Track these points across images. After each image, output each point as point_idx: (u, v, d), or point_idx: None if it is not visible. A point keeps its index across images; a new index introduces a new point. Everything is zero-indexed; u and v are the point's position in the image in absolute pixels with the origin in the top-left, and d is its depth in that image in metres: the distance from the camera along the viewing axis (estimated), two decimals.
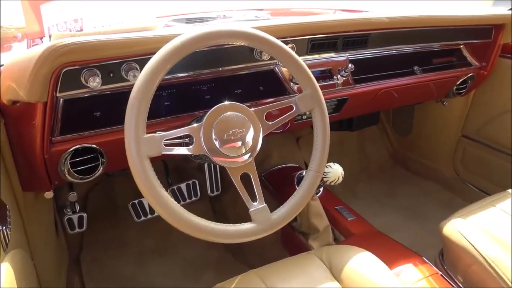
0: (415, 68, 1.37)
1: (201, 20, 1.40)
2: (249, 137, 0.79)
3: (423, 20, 1.26)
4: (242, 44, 0.78)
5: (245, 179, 0.80)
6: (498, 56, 1.54)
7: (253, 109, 0.81)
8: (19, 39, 1.15)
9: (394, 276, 0.89)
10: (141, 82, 0.67)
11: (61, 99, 0.79)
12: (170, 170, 1.56)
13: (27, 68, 0.70)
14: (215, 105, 0.78)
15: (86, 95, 0.82)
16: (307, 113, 0.87)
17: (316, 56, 1.14)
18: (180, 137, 0.76)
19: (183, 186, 1.51)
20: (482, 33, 1.46)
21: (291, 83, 1.08)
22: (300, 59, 0.83)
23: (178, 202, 1.50)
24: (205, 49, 0.91)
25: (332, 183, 1.07)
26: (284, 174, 1.60)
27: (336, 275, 0.89)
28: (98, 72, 0.79)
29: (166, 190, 1.52)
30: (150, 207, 1.30)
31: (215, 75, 0.98)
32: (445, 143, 1.89)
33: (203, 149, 0.75)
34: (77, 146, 0.85)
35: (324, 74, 1.17)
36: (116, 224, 1.56)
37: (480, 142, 1.75)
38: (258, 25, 0.94)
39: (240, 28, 0.76)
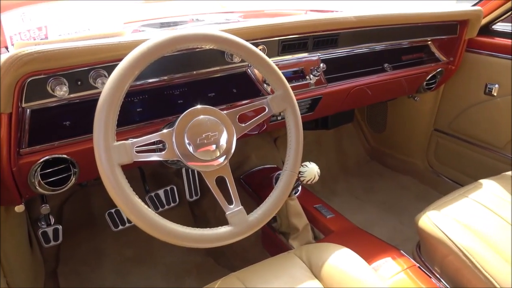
0: (386, 65, 1.40)
1: (173, 24, 1.39)
2: (223, 140, 0.79)
3: (390, 18, 1.28)
4: (211, 47, 0.78)
5: (223, 182, 0.80)
6: (464, 51, 1.59)
7: (225, 112, 0.81)
8: None
9: (372, 270, 0.90)
10: (108, 90, 0.66)
11: (28, 110, 0.77)
12: (147, 176, 1.54)
13: None
14: (188, 109, 0.78)
15: (54, 104, 0.80)
16: (281, 114, 0.87)
17: (288, 57, 1.15)
18: (153, 143, 0.75)
19: (161, 192, 1.49)
20: (448, 29, 1.50)
21: (264, 84, 1.09)
22: (269, 60, 0.84)
23: (157, 209, 1.50)
24: (176, 53, 0.90)
25: (309, 182, 1.08)
26: (262, 175, 1.61)
27: (316, 273, 0.90)
28: (65, 80, 0.78)
29: (144, 197, 1.50)
30: None
31: (187, 79, 0.97)
32: (418, 138, 1.94)
33: (176, 155, 0.74)
34: (47, 157, 0.83)
35: (297, 74, 1.18)
36: (94, 234, 1.53)
37: (451, 135, 1.80)
38: (228, 27, 0.94)
39: (208, 32, 0.76)
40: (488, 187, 1.19)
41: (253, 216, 0.79)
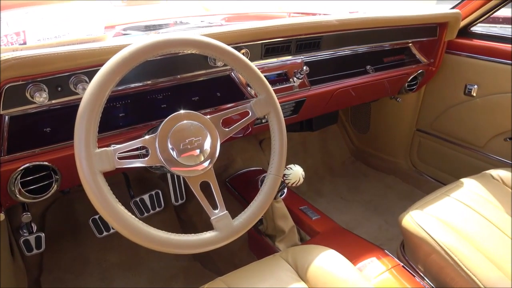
0: (368, 67, 1.42)
1: (156, 27, 1.38)
2: (207, 145, 0.79)
3: (371, 21, 1.30)
4: (193, 52, 0.77)
5: (208, 187, 0.79)
6: (444, 53, 1.62)
7: (209, 116, 0.81)
8: None
9: (357, 271, 0.91)
10: (89, 96, 0.65)
11: (6, 116, 0.75)
12: (131, 181, 1.53)
13: None
14: (172, 114, 0.77)
15: (34, 110, 0.79)
16: (266, 117, 0.88)
17: (271, 60, 1.15)
18: (136, 149, 0.75)
19: (146, 197, 1.48)
20: (428, 31, 1.53)
21: (248, 88, 1.09)
22: (252, 64, 0.84)
23: (142, 214, 1.49)
24: (159, 57, 0.90)
25: (294, 185, 1.08)
26: (248, 178, 1.61)
27: (302, 275, 0.90)
28: (44, 86, 0.77)
29: (129, 202, 1.48)
30: None
31: (170, 83, 0.97)
32: (401, 138, 1.97)
33: (159, 160, 0.73)
34: (27, 165, 0.81)
35: (281, 77, 1.19)
36: (78, 241, 1.50)
37: (433, 135, 1.83)
38: (210, 32, 0.94)
39: (189, 37, 0.76)
40: (469, 186, 1.21)
41: (238, 220, 0.79)
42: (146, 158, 0.73)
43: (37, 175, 0.84)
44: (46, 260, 1.44)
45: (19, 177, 0.82)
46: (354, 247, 1.12)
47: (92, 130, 0.65)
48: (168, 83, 0.96)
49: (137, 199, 1.47)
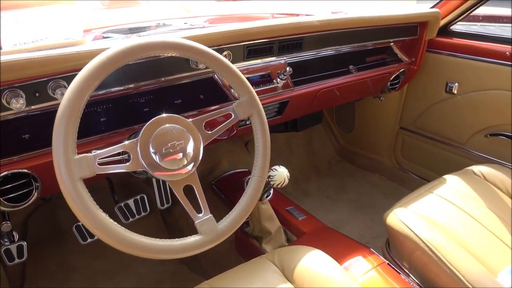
0: (351, 67, 1.43)
1: (138, 30, 1.36)
2: (190, 148, 0.78)
3: (352, 22, 1.31)
4: (173, 55, 0.77)
5: (192, 190, 0.79)
6: (425, 51, 1.65)
7: (191, 119, 0.80)
8: None
9: (343, 270, 0.92)
10: (66, 101, 0.64)
11: None
12: (116, 186, 1.50)
13: None
14: (152, 119, 0.76)
15: (11, 117, 0.77)
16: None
17: (254, 62, 1.15)
18: (118, 154, 0.73)
19: (130, 202, 1.45)
20: (408, 30, 1.55)
21: (232, 90, 1.09)
22: (233, 66, 0.83)
23: (127, 219, 1.47)
24: (141, 60, 0.89)
25: (279, 186, 1.08)
26: (234, 180, 1.61)
27: (288, 276, 0.90)
28: (21, 92, 0.75)
29: (113, 208, 1.46)
30: None
31: (153, 86, 0.95)
32: (385, 136, 1.99)
33: (141, 165, 0.72)
34: (5, 173, 0.79)
35: (264, 79, 1.19)
36: (61, 249, 1.48)
37: (416, 133, 1.86)
38: (192, 34, 0.93)
39: (169, 40, 0.75)
40: (452, 182, 1.24)
41: (222, 224, 0.78)
42: (128, 164, 0.72)
43: (17, 183, 0.82)
44: (29, 268, 1.41)
45: None
46: (340, 247, 1.13)
47: (71, 136, 0.64)
48: (151, 86, 0.95)
49: (122, 204, 1.45)
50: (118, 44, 0.71)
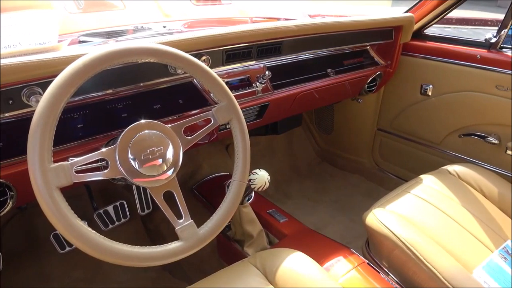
0: (329, 70, 1.45)
1: (116, 34, 1.34)
2: (169, 154, 0.78)
3: (329, 26, 1.33)
4: (151, 61, 0.76)
5: (173, 196, 0.78)
6: (400, 55, 1.69)
7: (170, 125, 0.80)
8: None
9: (324, 271, 0.93)
10: (42, 109, 0.63)
11: None
12: (94, 192, 1.48)
13: None
14: (134, 123, 0.76)
15: None
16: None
17: (233, 66, 1.16)
18: (96, 161, 0.72)
19: (110, 208, 1.43)
20: (384, 34, 1.59)
21: (211, 94, 1.09)
22: (211, 71, 0.83)
23: (106, 226, 1.45)
24: (119, 66, 0.88)
25: (260, 189, 1.09)
26: (215, 184, 1.60)
27: (270, 279, 0.91)
28: None
29: (92, 215, 1.43)
30: None
31: (131, 91, 0.95)
32: (364, 137, 2.03)
33: (120, 172, 0.72)
34: None
35: (244, 83, 1.19)
36: (39, 258, 1.44)
37: (393, 134, 1.90)
38: (170, 39, 0.93)
39: (146, 45, 0.75)
40: (428, 182, 1.27)
41: (203, 229, 0.78)
42: (106, 171, 0.71)
43: None
44: (5, 279, 1.37)
45: None
46: (321, 248, 1.14)
47: (47, 145, 0.63)
48: (129, 92, 0.94)
49: (101, 211, 1.43)
50: (94, 50, 0.70)
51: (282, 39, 1.22)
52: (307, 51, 1.36)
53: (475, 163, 1.50)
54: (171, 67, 0.97)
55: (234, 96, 0.87)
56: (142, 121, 0.77)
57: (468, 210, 1.16)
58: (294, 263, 0.92)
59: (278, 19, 1.67)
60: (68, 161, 0.66)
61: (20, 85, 0.76)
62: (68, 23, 1.38)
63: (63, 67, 0.68)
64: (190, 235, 0.75)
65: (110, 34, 1.33)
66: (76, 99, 0.86)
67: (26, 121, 0.76)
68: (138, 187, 1.53)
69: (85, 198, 1.46)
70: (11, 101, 0.76)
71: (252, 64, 1.20)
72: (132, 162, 0.73)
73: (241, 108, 0.89)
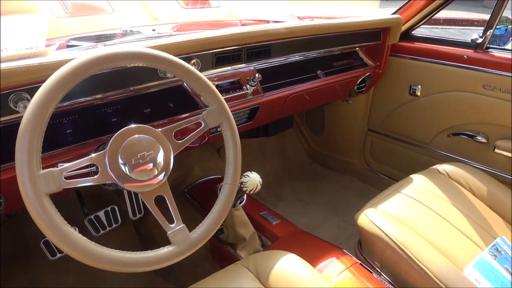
0: (319, 72, 1.46)
1: (104, 38, 1.34)
2: (160, 158, 0.77)
3: (317, 28, 1.34)
4: (140, 65, 0.76)
5: (164, 200, 0.78)
6: (389, 56, 1.71)
7: (160, 129, 0.79)
8: None
9: (317, 272, 0.93)
10: (30, 115, 0.62)
11: None
12: (85, 198, 1.46)
13: None
14: (124, 127, 0.75)
15: None
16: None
17: (223, 69, 1.16)
18: (86, 167, 0.72)
19: (101, 214, 1.42)
20: (372, 36, 1.60)
21: (201, 97, 1.08)
22: (201, 75, 0.83)
23: (98, 232, 1.43)
24: (107, 70, 0.87)
25: (252, 192, 1.09)
26: (207, 187, 1.60)
27: (264, 282, 0.91)
28: None
29: (83, 220, 1.42)
30: None
31: (121, 96, 0.94)
32: (354, 138, 2.04)
33: (110, 177, 0.71)
34: None
35: (234, 85, 1.19)
36: (29, 266, 1.42)
37: (384, 134, 1.92)
38: (159, 43, 0.93)
39: (135, 49, 0.74)
40: (418, 181, 1.28)
41: (195, 233, 0.78)
42: (96, 176, 0.70)
43: None
44: None
45: None
46: (313, 249, 1.15)
47: (35, 151, 0.62)
48: (119, 96, 0.94)
49: (92, 216, 1.41)
50: (83, 54, 0.69)
51: (271, 41, 1.23)
52: (296, 53, 1.36)
53: (464, 162, 1.52)
54: (161, 71, 0.97)
55: (225, 99, 0.87)
56: (132, 125, 0.76)
57: (458, 209, 1.17)
58: (287, 265, 0.93)
59: (267, 21, 1.67)
60: (57, 167, 0.66)
61: (7, 91, 0.75)
62: (56, 27, 1.37)
63: (51, 72, 0.68)
64: (182, 240, 0.75)
65: (99, 38, 1.33)
66: (65, 104, 0.85)
67: (14, 127, 0.76)
68: (129, 192, 1.51)
69: (75, 204, 1.44)
70: None
71: (242, 67, 1.21)
72: (122, 167, 0.72)
73: (232, 111, 0.89)
